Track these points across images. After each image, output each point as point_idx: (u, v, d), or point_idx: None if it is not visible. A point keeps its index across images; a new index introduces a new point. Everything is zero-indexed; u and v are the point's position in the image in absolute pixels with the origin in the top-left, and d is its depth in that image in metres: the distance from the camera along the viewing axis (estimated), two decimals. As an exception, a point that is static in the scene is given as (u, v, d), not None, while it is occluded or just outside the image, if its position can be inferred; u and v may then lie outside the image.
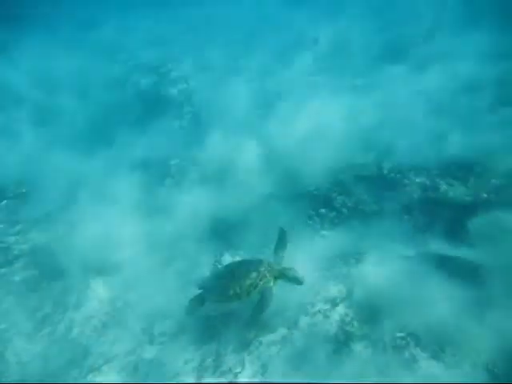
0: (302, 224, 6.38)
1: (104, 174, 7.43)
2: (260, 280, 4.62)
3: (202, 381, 4.24)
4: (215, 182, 7.08)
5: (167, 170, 8.03)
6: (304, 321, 4.76)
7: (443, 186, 6.49)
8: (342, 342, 4.42)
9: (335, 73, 10.89)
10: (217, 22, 16.74)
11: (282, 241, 5.23)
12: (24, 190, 7.75)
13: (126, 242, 5.86)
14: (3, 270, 6.03)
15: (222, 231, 6.34)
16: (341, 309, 4.82)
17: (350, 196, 6.75)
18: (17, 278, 5.88)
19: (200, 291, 4.90)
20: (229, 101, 9.54)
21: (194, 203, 6.54)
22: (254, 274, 4.63)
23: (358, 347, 4.33)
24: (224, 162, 7.40)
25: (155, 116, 9.87)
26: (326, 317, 4.76)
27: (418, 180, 6.73)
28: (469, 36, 10.68)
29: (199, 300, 4.85)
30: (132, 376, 4.48)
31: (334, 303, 4.92)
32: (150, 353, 4.72)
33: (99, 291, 5.57)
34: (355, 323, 4.61)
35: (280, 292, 4.75)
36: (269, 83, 10.59)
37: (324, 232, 6.33)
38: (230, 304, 4.73)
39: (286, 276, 4.75)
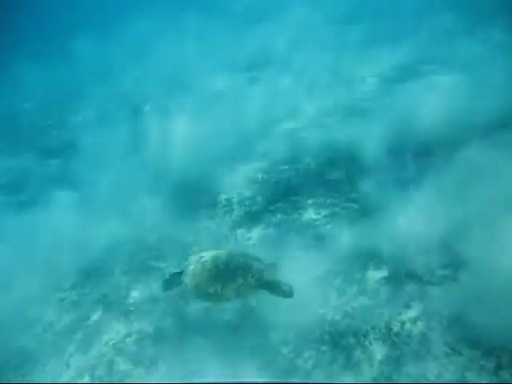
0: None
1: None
2: (244, 288, 4.20)
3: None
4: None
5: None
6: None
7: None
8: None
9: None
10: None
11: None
12: None
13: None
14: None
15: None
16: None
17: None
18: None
19: (179, 271, 4.61)
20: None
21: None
22: (239, 280, 4.21)
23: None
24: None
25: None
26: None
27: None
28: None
29: (176, 280, 4.54)
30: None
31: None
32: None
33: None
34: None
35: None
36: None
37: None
38: (204, 302, 4.35)
39: (273, 289, 4.27)
